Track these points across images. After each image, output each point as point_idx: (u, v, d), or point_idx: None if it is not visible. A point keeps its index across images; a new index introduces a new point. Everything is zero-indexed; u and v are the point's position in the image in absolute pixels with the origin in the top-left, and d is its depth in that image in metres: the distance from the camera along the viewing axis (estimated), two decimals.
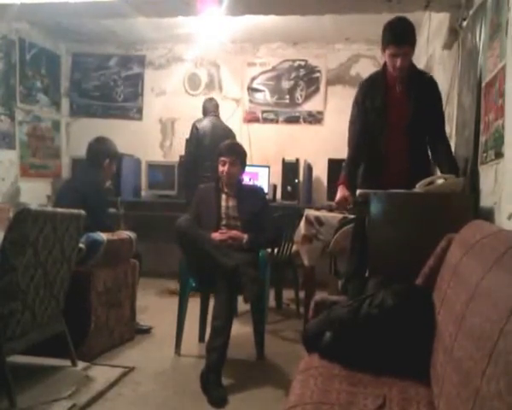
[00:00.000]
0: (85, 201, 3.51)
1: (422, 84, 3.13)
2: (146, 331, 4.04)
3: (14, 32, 6.03)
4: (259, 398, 2.92)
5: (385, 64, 3.13)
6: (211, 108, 5.70)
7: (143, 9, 4.30)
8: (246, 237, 3.53)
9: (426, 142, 3.16)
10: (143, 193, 6.64)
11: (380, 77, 3.17)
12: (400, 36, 2.97)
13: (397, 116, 3.09)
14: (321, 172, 6.26)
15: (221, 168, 3.66)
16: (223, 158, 3.66)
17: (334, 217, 3.77)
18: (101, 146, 4.03)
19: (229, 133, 5.50)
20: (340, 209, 3.38)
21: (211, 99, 5.92)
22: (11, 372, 2.52)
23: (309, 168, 6.09)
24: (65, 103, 7.17)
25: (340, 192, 3.20)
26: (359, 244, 3.04)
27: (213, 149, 4.91)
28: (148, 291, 5.17)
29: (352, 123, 3.26)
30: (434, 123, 3.11)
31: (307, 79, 6.69)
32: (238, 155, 3.70)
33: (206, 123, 5.56)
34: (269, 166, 6.31)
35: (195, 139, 5.50)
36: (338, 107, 6.38)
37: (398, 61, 2.97)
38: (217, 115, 5.72)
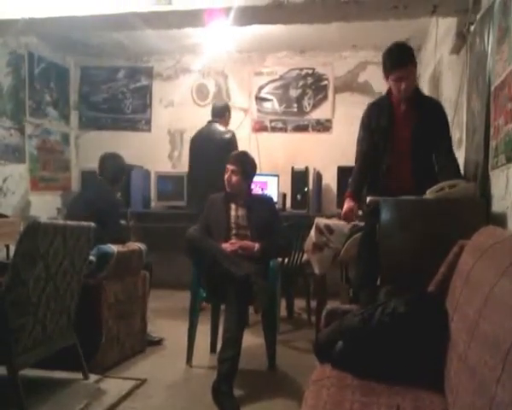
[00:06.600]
0: (99, 213, 3.55)
1: (427, 105, 3.23)
2: (157, 343, 4.04)
3: (23, 47, 6.09)
4: (271, 409, 2.90)
5: (390, 88, 3.21)
6: (212, 114, 5.39)
7: (151, 22, 4.32)
8: (257, 245, 3.51)
9: (432, 161, 3.21)
10: (153, 204, 6.64)
11: (385, 99, 3.29)
12: (402, 58, 3.08)
13: (401, 134, 3.17)
14: (330, 180, 6.25)
15: (225, 176, 3.68)
16: (227, 165, 3.69)
17: (345, 225, 3.73)
18: (119, 163, 4.17)
19: (221, 139, 5.14)
20: (347, 221, 3.40)
21: (214, 103, 5.72)
22: (23, 386, 2.52)
23: (318, 176, 6.08)
24: (74, 116, 7.22)
25: (347, 204, 3.29)
26: (366, 252, 3.05)
27: (209, 162, 4.86)
28: (158, 302, 5.16)
29: (359, 143, 3.38)
30: (440, 143, 3.15)
31: (315, 87, 6.69)
32: (241, 165, 3.69)
33: (199, 135, 5.33)
34: (278, 175, 6.31)
35: (190, 153, 5.42)
36: (346, 114, 6.38)
37: (403, 84, 3.07)
38: (216, 121, 5.31)
